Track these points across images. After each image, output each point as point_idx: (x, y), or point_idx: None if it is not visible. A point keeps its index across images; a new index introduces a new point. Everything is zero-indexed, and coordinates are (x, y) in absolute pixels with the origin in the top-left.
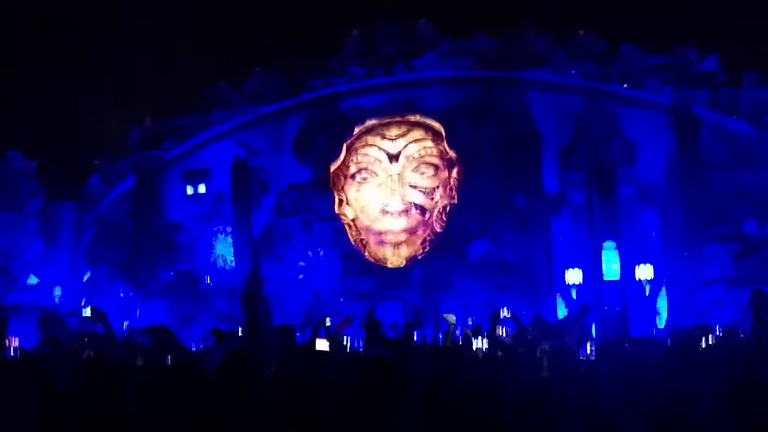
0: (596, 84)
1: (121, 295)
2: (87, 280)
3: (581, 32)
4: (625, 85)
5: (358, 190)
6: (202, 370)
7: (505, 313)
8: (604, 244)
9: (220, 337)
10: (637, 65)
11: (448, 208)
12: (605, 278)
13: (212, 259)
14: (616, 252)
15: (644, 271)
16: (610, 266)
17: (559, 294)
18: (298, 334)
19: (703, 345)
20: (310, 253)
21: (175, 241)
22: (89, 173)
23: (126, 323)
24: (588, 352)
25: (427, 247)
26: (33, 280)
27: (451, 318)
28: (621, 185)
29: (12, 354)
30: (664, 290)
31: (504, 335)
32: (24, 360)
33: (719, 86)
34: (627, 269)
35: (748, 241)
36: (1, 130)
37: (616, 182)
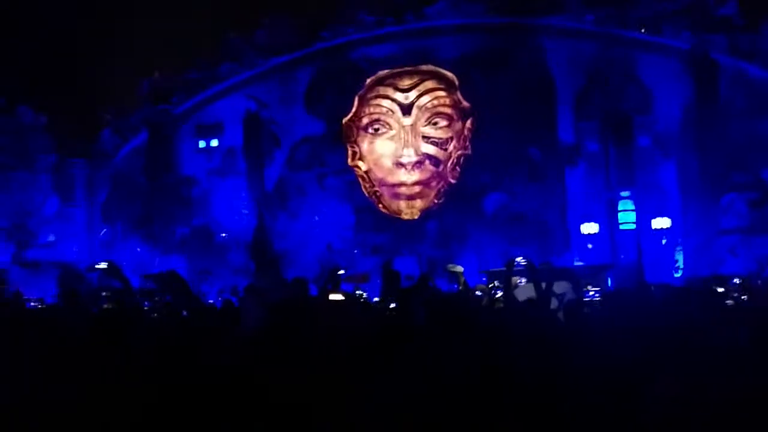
0: (612, 29)
1: (138, 250)
2: (103, 235)
3: None
4: (643, 30)
5: (371, 142)
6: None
7: (520, 261)
8: (620, 194)
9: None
10: (654, 9)
11: (462, 160)
12: (621, 228)
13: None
14: (632, 202)
15: (660, 222)
16: (626, 216)
17: (575, 243)
18: (312, 285)
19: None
20: (323, 207)
21: (189, 196)
22: (99, 128)
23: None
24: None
25: (442, 199)
26: (50, 237)
27: (458, 268)
28: (637, 134)
29: (32, 306)
30: (680, 240)
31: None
32: (41, 313)
33: (738, 31)
34: (643, 220)
35: (766, 189)
36: (10, 85)
37: (632, 131)
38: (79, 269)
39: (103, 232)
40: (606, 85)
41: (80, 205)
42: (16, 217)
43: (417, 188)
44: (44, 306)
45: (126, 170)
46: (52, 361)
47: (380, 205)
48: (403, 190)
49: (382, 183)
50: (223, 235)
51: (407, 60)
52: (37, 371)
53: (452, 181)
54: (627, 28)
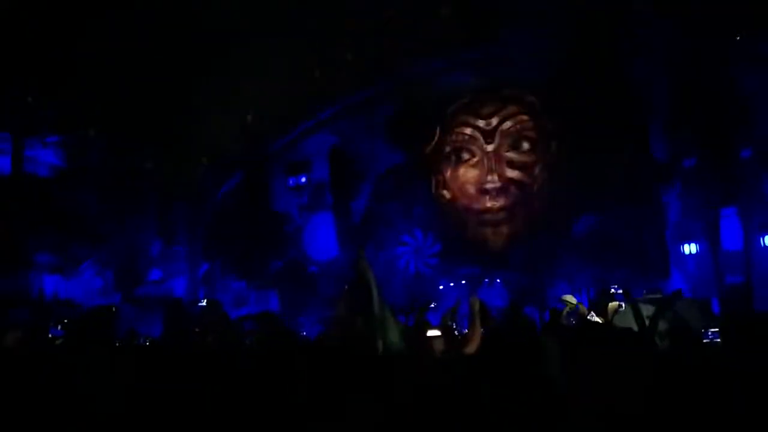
0: (703, 38)
1: (235, 286)
2: (204, 273)
3: None
4: (738, 37)
5: (454, 170)
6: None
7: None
8: (722, 211)
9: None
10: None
11: (548, 183)
12: (725, 248)
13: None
14: (737, 218)
15: None
16: (731, 235)
17: (674, 267)
18: (402, 317)
19: None
20: (410, 236)
21: (282, 232)
22: (197, 169)
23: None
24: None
25: (529, 226)
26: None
27: (572, 299)
28: (737, 146)
29: (141, 342)
30: None
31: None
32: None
33: None
34: (751, 237)
35: None
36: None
37: (731, 143)
38: (183, 305)
39: (204, 269)
40: (701, 96)
41: (182, 243)
42: (127, 260)
43: (503, 214)
44: (151, 341)
45: (223, 209)
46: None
47: (466, 233)
48: (488, 216)
49: (468, 210)
50: (314, 268)
51: (488, 86)
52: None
53: (539, 206)
54: (720, 36)
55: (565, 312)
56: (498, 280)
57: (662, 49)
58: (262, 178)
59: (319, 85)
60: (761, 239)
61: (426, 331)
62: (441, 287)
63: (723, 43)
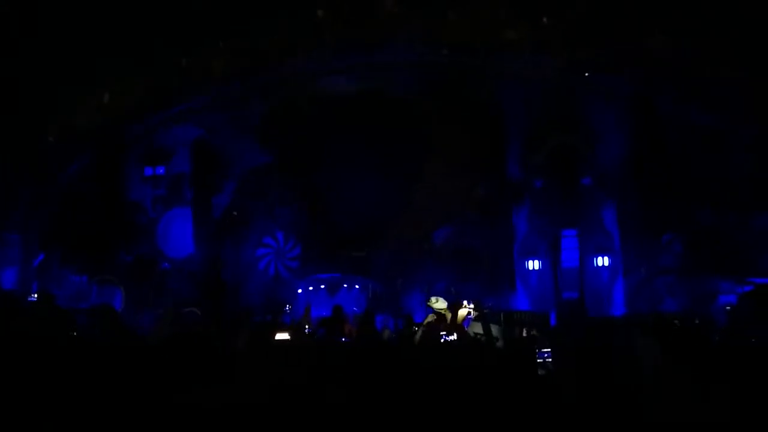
0: (560, 71)
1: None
2: (39, 263)
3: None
4: (586, 74)
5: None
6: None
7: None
8: (563, 231)
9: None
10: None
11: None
12: (564, 266)
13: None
14: (576, 239)
15: (603, 260)
16: (569, 254)
17: (519, 280)
18: (258, 317)
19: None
20: (272, 238)
21: (133, 224)
22: (42, 147)
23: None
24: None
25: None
26: None
27: (439, 303)
28: (580, 173)
29: None
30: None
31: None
32: None
33: (678, 74)
34: (586, 258)
35: (701, 230)
36: None
37: (575, 170)
38: (11, 297)
39: (39, 259)
40: (553, 124)
41: (17, 228)
42: None
43: None
44: None
45: (67, 194)
46: None
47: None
48: None
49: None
50: (166, 265)
51: (366, 92)
52: None
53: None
54: (574, 72)
55: (428, 320)
56: (357, 287)
57: (523, 77)
58: (115, 165)
59: (186, 74)
60: (594, 260)
61: (275, 333)
62: (299, 290)
63: (575, 78)
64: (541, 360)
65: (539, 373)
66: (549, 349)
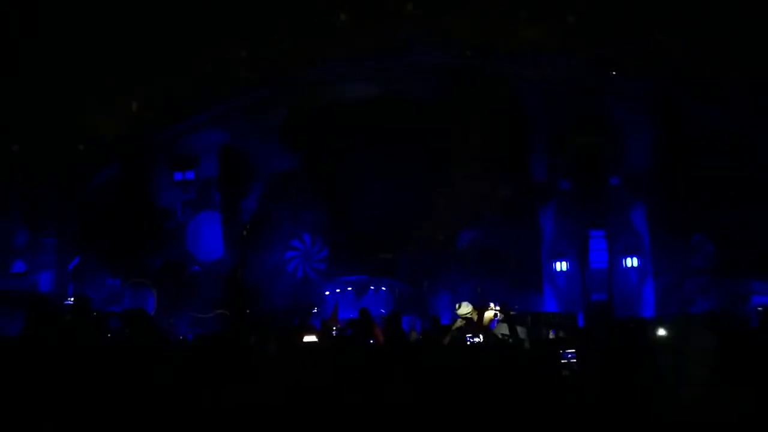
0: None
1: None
2: (74, 267)
3: None
4: (613, 73)
5: None
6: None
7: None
8: (591, 232)
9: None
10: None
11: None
12: (592, 267)
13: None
14: (604, 240)
15: (631, 261)
16: (598, 255)
17: (547, 282)
18: (285, 320)
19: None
20: (299, 241)
21: (164, 228)
22: (73, 156)
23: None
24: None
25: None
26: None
27: (467, 309)
28: (607, 174)
29: None
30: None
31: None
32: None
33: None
34: (615, 259)
35: (730, 230)
36: None
37: (602, 170)
38: (48, 299)
39: (74, 263)
40: (577, 124)
41: (51, 234)
42: None
43: None
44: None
45: (99, 200)
46: None
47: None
48: None
49: None
50: (196, 268)
51: (384, 97)
52: None
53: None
54: (596, 71)
55: (456, 325)
56: (383, 288)
57: (547, 78)
58: (144, 170)
59: (212, 81)
60: (623, 261)
61: (303, 336)
62: (327, 293)
63: (600, 78)
64: (566, 360)
65: (564, 374)
66: (573, 350)
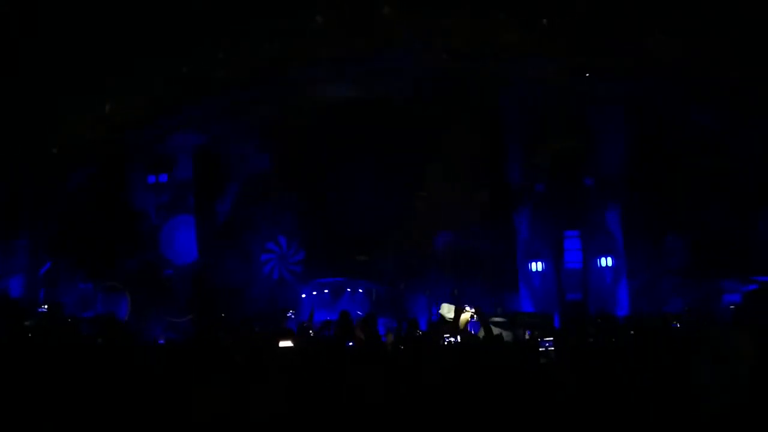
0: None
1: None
2: (45, 271)
3: None
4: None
5: None
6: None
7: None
8: (566, 233)
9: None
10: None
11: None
12: (567, 267)
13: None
14: (579, 241)
15: (606, 261)
16: (572, 255)
17: (522, 283)
18: (259, 323)
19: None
20: (275, 243)
21: (137, 231)
22: (46, 159)
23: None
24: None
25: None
26: None
27: (448, 312)
28: (582, 175)
29: None
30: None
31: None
32: None
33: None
34: (589, 258)
35: (705, 231)
36: None
37: (577, 172)
38: (18, 306)
39: (45, 267)
40: (554, 127)
41: (23, 237)
42: None
43: None
44: None
45: (73, 204)
46: None
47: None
48: None
49: None
50: (169, 271)
51: (366, 100)
52: None
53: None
54: (575, 74)
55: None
56: (360, 290)
57: (525, 81)
58: (118, 173)
59: (189, 82)
60: (598, 261)
61: (279, 341)
62: (303, 295)
63: (576, 81)
64: (543, 349)
65: (541, 361)
66: (551, 338)
